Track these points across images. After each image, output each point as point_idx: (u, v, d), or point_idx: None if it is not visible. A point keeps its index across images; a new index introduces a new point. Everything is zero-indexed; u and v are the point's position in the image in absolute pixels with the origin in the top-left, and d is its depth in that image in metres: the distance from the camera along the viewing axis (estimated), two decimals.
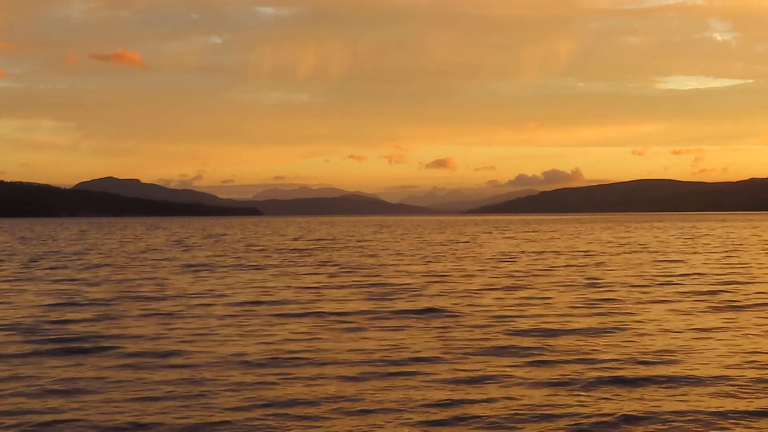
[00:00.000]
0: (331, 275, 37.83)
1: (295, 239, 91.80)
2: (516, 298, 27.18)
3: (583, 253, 55.54)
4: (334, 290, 30.52)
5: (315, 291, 30.25)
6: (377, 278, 35.76)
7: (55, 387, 14.21)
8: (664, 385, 14.11)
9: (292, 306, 25.58)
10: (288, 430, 11.73)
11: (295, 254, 57.52)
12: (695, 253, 55.09)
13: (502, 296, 27.92)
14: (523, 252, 58.19)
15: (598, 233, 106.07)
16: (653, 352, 17.09)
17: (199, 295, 29.00)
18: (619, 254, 54.18)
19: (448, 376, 14.83)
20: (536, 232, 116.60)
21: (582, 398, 13.29)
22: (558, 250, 61.27)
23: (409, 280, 34.47)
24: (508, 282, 33.37)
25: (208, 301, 26.84)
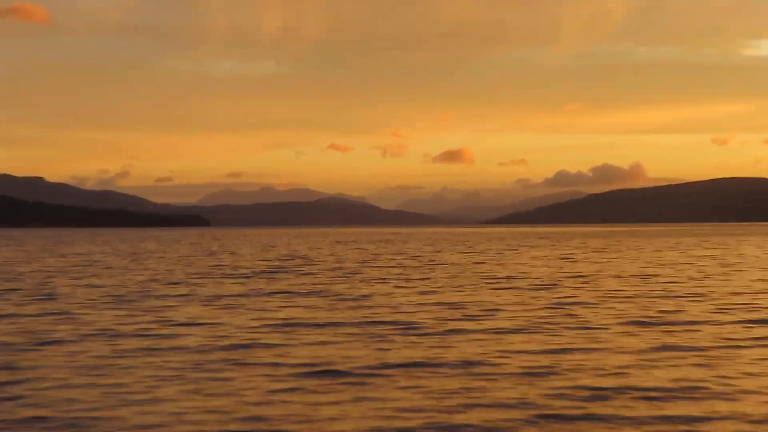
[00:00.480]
0: (307, 309, 37.50)
1: (257, 259, 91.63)
2: (563, 341, 26.91)
3: (653, 278, 55.29)
4: (311, 330, 30.25)
5: (285, 331, 29.98)
6: (370, 312, 35.51)
7: None
8: None
9: (255, 352, 25.26)
10: None
11: (256, 280, 57.20)
12: None
13: (545, 339, 27.66)
14: (568, 276, 57.98)
15: (666, 250, 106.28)
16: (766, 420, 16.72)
17: (129, 335, 28.76)
18: (699, 279, 53.92)
19: None
20: (583, 248, 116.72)
21: None
22: (616, 273, 61.09)
23: (414, 317, 34.13)
24: (550, 318, 33.11)
25: (142, 345, 26.58)
